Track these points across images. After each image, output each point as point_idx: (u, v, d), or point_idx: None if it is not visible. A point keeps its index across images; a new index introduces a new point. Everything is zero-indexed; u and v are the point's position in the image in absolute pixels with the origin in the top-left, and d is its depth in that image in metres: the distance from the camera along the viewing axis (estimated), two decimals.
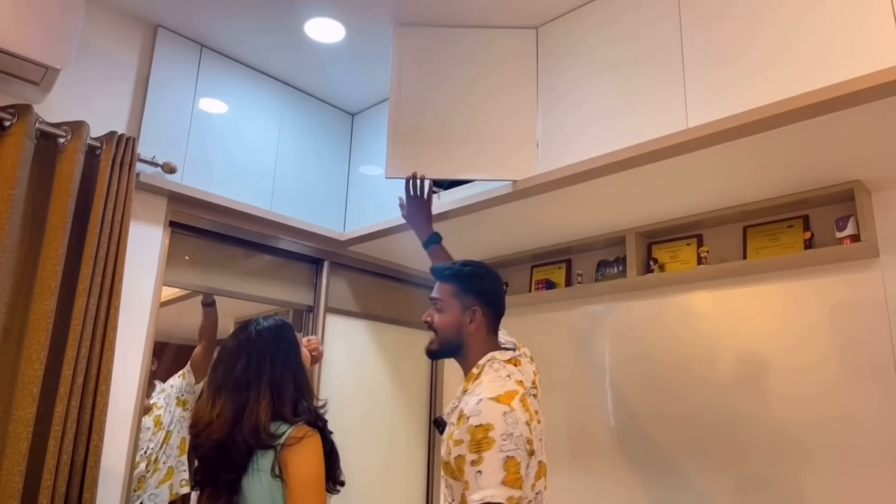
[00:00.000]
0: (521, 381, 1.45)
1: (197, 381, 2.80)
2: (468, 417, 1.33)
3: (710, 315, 2.26)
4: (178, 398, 2.77)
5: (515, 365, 1.51)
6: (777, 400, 2.06)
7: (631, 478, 2.33)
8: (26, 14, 1.85)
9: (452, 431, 1.39)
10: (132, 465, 2.06)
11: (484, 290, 1.57)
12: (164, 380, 2.81)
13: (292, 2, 2.15)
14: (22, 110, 1.89)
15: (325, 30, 2.30)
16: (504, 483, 1.25)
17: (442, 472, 1.45)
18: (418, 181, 2.11)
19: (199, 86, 2.36)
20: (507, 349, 1.57)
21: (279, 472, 1.36)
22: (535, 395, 1.52)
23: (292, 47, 2.41)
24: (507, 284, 2.91)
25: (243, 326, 1.54)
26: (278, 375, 1.47)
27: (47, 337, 1.80)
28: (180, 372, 2.85)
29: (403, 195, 2.16)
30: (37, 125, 1.92)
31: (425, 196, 2.11)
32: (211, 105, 2.39)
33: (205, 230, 2.38)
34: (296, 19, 2.24)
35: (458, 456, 1.32)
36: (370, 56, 2.44)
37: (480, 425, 1.30)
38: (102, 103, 2.16)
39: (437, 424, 1.54)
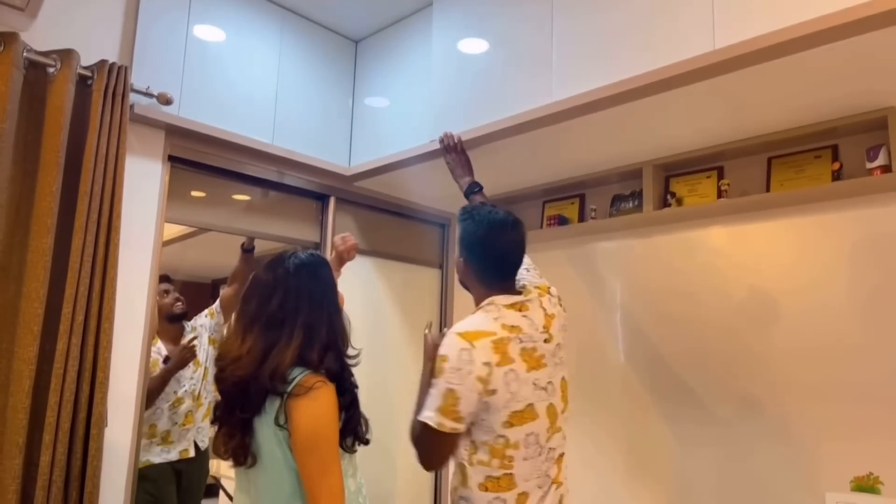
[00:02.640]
0: (513, 326, 1.48)
1: (225, 321, 2.80)
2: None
3: (728, 251, 2.18)
4: (209, 337, 2.78)
5: (520, 310, 1.52)
6: (794, 338, 2.00)
7: (641, 412, 2.32)
8: None
9: None
10: (142, 401, 2.06)
11: (465, 240, 1.59)
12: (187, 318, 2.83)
13: None
14: (8, 38, 1.78)
15: None
16: (439, 410, 1.38)
17: None
18: (452, 139, 2.14)
19: (192, 10, 2.23)
20: (512, 294, 1.57)
21: (284, 422, 1.29)
22: (545, 340, 1.53)
23: None
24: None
25: (279, 259, 1.44)
26: (314, 317, 1.38)
27: (46, 275, 1.77)
28: (207, 311, 2.85)
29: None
30: (24, 54, 1.82)
31: (458, 150, 2.13)
32: (206, 32, 2.27)
33: (206, 165, 2.29)
34: None
35: None
36: None
37: (440, 355, 1.42)
38: (92, 30, 2.05)
39: None
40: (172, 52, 2.17)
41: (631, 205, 2.41)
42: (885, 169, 1.87)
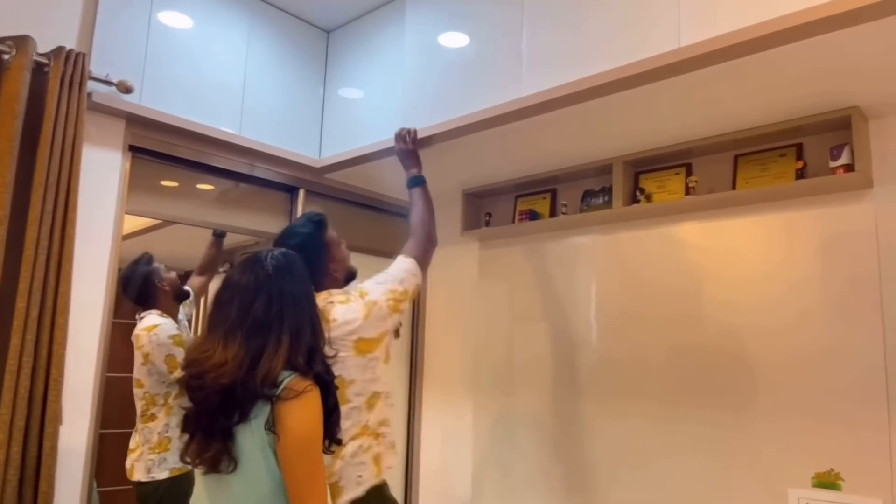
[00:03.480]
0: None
1: (196, 311, 2.70)
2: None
3: (697, 247, 2.20)
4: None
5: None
6: (762, 332, 2.03)
7: (611, 409, 2.33)
8: None
9: None
10: (100, 399, 2.01)
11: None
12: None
13: None
14: None
15: None
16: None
17: None
18: (407, 131, 2.20)
19: None
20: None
21: (272, 426, 1.26)
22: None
23: None
24: (489, 215, 2.83)
25: (256, 261, 1.40)
26: (299, 319, 1.36)
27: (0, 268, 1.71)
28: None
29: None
30: None
31: (410, 142, 2.20)
32: (171, 18, 2.21)
33: (169, 156, 2.24)
34: None
35: None
36: None
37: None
38: (49, 15, 1.99)
39: None
40: (135, 39, 2.11)
41: (601, 200, 2.42)
42: (848, 168, 1.89)
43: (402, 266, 1.92)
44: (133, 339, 2.29)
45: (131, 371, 2.30)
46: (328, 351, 1.43)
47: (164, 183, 2.33)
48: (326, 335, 1.56)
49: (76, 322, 1.88)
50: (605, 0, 1.83)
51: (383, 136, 2.35)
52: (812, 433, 1.89)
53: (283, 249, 1.48)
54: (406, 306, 1.89)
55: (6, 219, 1.74)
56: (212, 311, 1.38)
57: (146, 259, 2.37)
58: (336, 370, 1.51)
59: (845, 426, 1.84)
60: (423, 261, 1.98)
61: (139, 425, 2.28)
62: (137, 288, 2.33)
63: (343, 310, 1.76)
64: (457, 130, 2.14)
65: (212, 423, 1.29)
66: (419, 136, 2.22)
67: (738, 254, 2.11)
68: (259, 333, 1.31)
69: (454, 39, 2.20)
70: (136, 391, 2.29)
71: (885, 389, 1.79)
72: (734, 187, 2.13)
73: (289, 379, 1.29)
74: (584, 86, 1.83)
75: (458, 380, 2.85)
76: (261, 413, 1.27)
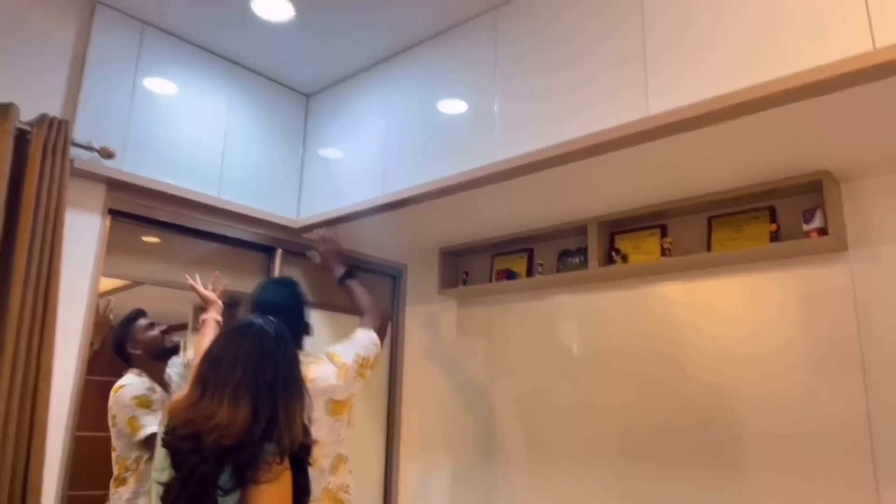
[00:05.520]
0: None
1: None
2: None
3: (674, 308, 2.20)
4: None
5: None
6: (741, 394, 2.01)
7: (590, 471, 2.28)
8: None
9: None
10: (69, 460, 1.97)
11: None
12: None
13: None
14: None
15: (272, 8, 2.17)
16: None
17: None
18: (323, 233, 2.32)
19: (140, 65, 2.23)
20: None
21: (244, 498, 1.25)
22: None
23: (240, 26, 2.28)
24: (466, 273, 2.84)
25: (257, 327, 1.43)
26: (300, 389, 1.41)
27: None
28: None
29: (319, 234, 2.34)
30: None
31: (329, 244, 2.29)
32: (154, 86, 2.26)
33: (148, 218, 2.26)
34: None
35: None
36: (324, 35, 2.32)
37: None
38: (36, 84, 2.04)
39: None
40: (119, 104, 2.16)
41: (577, 260, 2.42)
42: (822, 231, 1.90)
43: (367, 336, 1.97)
44: None
45: (103, 430, 2.25)
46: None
47: (142, 244, 2.33)
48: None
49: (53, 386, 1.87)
50: (577, 69, 1.87)
51: (361, 196, 2.38)
52: (797, 493, 1.85)
53: (273, 319, 1.49)
54: (370, 374, 1.92)
55: None
56: (205, 372, 1.36)
57: (128, 318, 2.34)
58: None
59: (832, 485, 1.80)
60: (382, 335, 2.03)
61: (112, 489, 2.22)
62: (115, 348, 2.31)
63: (320, 370, 1.78)
64: (433, 193, 2.17)
65: (202, 492, 1.26)
66: (398, 197, 2.25)
67: (716, 314, 2.11)
68: (266, 396, 1.33)
69: (431, 105, 2.25)
70: (112, 454, 2.25)
71: (871, 446, 1.77)
72: (709, 249, 2.14)
73: (269, 453, 1.28)
74: (555, 152, 1.87)
75: (437, 439, 2.80)
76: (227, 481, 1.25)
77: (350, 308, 2.22)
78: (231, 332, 1.44)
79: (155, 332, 2.27)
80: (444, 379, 2.83)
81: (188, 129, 2.34)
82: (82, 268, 2.06)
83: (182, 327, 2.71)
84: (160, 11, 2.21)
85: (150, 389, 2.26)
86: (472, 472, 2.64)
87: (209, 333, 1.82)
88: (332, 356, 1.86)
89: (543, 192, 2.15)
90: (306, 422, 1.43)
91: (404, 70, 2.38)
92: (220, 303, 1.99)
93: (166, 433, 1.32)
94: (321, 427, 1.71)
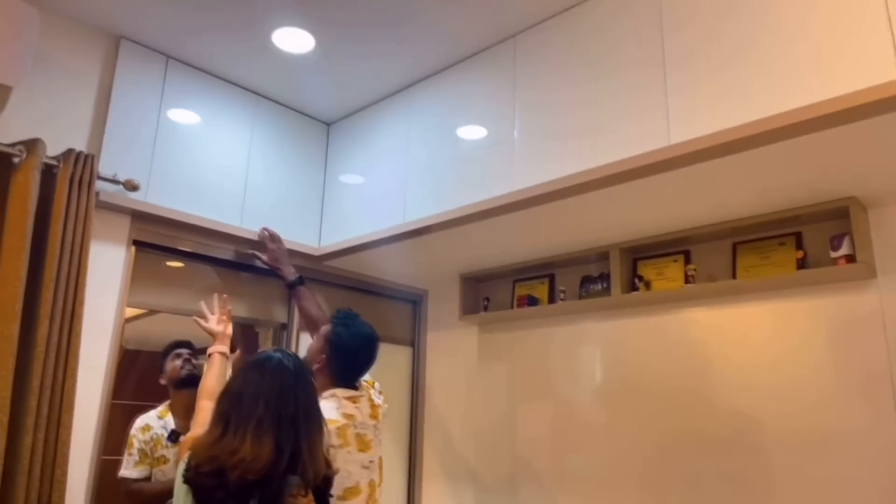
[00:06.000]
0: (350, 415, 1.76)
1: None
2: None
3: (698, 336, 2.16)
4: None
5: (354, 402, 1.81)
6: (767, 424, 1.96)
7: (616, 499, 2.24)
8: None
9: None
10: (95, 485, 2.00)
11: (336, 344, 1.83)
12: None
13: (258, 11, 2.06)
14: None
15: (293, 40, 2.20)
16: None
17: None
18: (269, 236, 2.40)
19: (164, 98, 2.27)
20: (350, 388, 1.83)
21: None
22: (374, 426, 1.84)
23: (262, 58, 2.31)
24: (487, 299, 2.82)
25: (276, 361, 1.45)
26: (320, 422, 1.44)
27: (13, 361, 1.74)
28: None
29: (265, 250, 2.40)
30: None
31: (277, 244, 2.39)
32: (178, 118, 2.30)
33: (173, 249, 2.29)
34: (263, 29, 2.14)
35: None
36: (343, 65, 2.34)
37: None
38: (62, 119, 2.08)
39: None
40: (143, 137, 2.19)
41: (600, 287, 2.40)
42: (850, 258, 1.86)
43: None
44: None
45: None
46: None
47: (166, 274, 2.36)
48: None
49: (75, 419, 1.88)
50: (596, 96, 1.86)
51: (382, 224, 2.39)
52: None
53: (291, 352, 1.53)
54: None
55: (19, 314, 1.78)
56: (226, 409, 1.38)
57: (163, 351, 2.35)
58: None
59: None
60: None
61: None
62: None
63: (377, 398, 1.92)
64: (453, 221, 2.17)
65: None
66: (419, 225, 2.25)
67: (741, 342, 2.07)
68: (291, 433, 1.35)
69: (451, 132, 2.26)
70: None
71: None
72: (734, 276, 2.10)
73: (295, 486, 1.31)
74: (575, 181, 1.85)
75: (459, 465, 2.78)
76: None
77: (305, 317, 2.29)
78: (250, 368, 1.45)
79: (178, 362, 2.29)
80: (466, 405, 2.81)
81: (211, 159, 2.37)
82: (108, 298, 2.09)
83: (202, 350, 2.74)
84: (183, 45, 2.25)
85: (151, 425, 2.22)
86: (497, 500, 2.60)
87: (214, 368, 1.82)
88: (371, 383, 1.97)
89: (564, 219, 2.14)
90: (326, 454, 1.46)
91: (424, 98, 2.39)
92: (229, 332, 1.98)
93: (187, 469, 1.33)
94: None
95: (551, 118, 1.96)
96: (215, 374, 1.77)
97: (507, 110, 2.09)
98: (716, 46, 1.63)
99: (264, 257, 2.38)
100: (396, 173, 2.42)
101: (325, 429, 1.46)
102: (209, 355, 1.89)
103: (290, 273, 2.33)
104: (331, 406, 1.73)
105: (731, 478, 2.00)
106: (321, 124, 2.77)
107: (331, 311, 2.69)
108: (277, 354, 1.47)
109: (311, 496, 1.35)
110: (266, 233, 2.41)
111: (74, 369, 1.86)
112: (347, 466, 1.70)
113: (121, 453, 2.18)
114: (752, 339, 2.05)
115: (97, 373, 2.04)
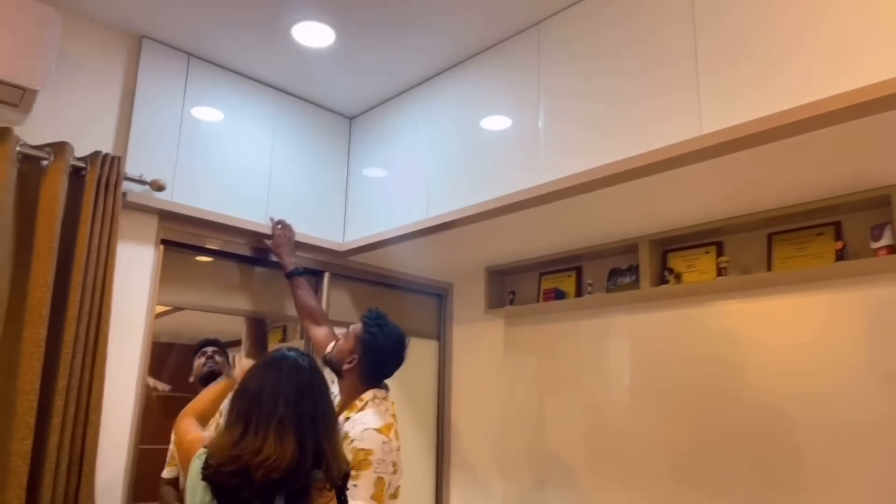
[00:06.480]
0: (394, 414, 1.81)
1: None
2: (352, 440, 1.66)
3: (731, 330, 2.10)
4: None
5: (388, 401, 1.86)
6: (804, 421, 1.91)
7: (646, 493, 2.21)
8: None
9: None
10: (130, 494, 2.03)
11: (369, 344, 1.83)
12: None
13: (277, 6, 2.03)
14: (1, 134, 1.83)
15: (313, 34, 2.17)
16: (373, 497, 1.62)
17: None
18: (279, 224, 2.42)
19: (187, 97, 2.27)
20: (382, 388, 1.85)
21: None
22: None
23: (282, 53, 2.29)
24: (513, 293, 2.79)
25: (292, 361, 1.45)
26: (335, 420, 1.48)
27: (40, 366, 1.78)
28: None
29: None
30: (18, 148, 1.86)
31: (284, 231, 2.41)
32: (201, 116, 2.30)
33: (199, 247, 2.30)
34: (282, 24, 2.12)
35: None
36: (364, 59, 2.31)
37: (362, 449, 1.64)
38: (88, 120, 2.09)
39: None
40: (167, 137, 2.20)
41: (628, 279, 2.35)
42: (891, 249, 1.79)
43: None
44: None
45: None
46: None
47: (194, 272, 2.38)
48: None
49: (107, 416, 1.92)
50: (624, 84, 1.81)
51: (406, 218, 2.37)
52: None
53: (304, 351, 1.53)
54: None
55: (47, 318, 1.81)
56: (245, 408, 1.38)
57: (193, 351, 2.38)
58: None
59: None
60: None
61: None
62: None
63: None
64: (477, 216, 2.14)
65: None
66: (442, 220, 2.22)
67: (776, 336, 2.01)
68: (312, 432, 1.36)
69: (474, 124, 2.22)
70: None
71: None
72: (770, 267, 2.04)
73: (319, 480, 1.34)
74: (602, 174, 1.80)
75: (487, 460, 2.77)
76: None
77: (300, 306, 2.29)
78: (266, 367, 1.46)
79: (202, 360, 2.33)
80: (493, 399, 2.79)
81: (235, 156, 2.37)
82: (139, 296, 2.12)
83: (236, 343, 2.77)
84: (204, 42, 2.24)
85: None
86: (525, 494, 2.59)
87: (214, 391, 1.74)
88: None
89: (592, 211, 2.09)
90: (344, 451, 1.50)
91: (446, 90, 2.35)
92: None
93: (206, 468, 1.34)
94: None
95: (577, 108, 1.91)
96: (211, 396, 1.71)
97: (531, 100, 2.04)
98: (750, 32, 1.56)
99: (269, 242, 2.38)
100: (419, 166, 2.39)
101: (338, 427, 1.50)
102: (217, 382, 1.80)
103: (291, 262, 2.34)
104: (380, 410, 1.76)
105: (764, 471, 1.95)
106: (343, 119, 2.75)
107: (359, 308, 2.73)
108: (293, 354, 1.48)
109: (333, 493, 1.37)
110: (277, 221, 2.41)
111: (102, 370, 1.89)
112: (400, 465, 1.74)
113: (159, 442, 2.21)
114: (787, 332, 1.99)
115: (131, 367, 2.08)
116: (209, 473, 1.33)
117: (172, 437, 2.08)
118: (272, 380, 1.41)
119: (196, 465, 1.36)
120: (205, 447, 1.39)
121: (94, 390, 1.87)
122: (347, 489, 1.48)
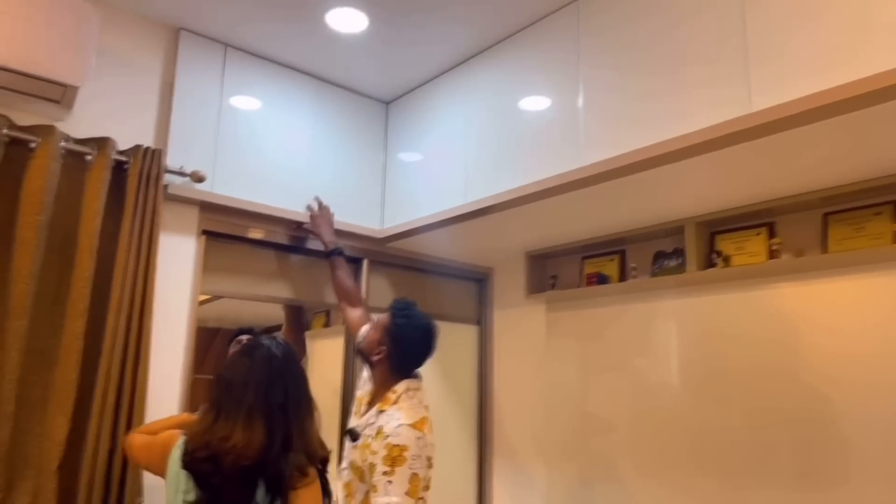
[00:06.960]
0: (427, 406, 1.79)
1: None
2: (387, 435, 1.66)
3: (783, 314, 2.02)
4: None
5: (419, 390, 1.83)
6: (860, 411, 1.82)
7: (695, 483, 2.17)
8: (38, 32, 1.81)
9: (370, 443, 1.70)
10: None
11: (397, 335, 1.82)
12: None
13: None
14: (44, 132, 1.86)
15: (346, 19, 2.15)
16: (407, 493, 1.60)
17: (350, 474, 1.77)
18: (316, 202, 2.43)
19: (225, 87, 2.28)
20: (415, 379, 1.84)
21: None
22: None
23: (317, 40, 2.28)
24: (555, 277, 2.74)
25: (265, 348, 1.48)
26: (310, 406, 1.48)
27: (79, 358, 1.83)
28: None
29: None
30: (62, 144, 1.89)
31: (323, 212, 2.41)
32: (238, 106, 2.31)
33: (240, 237, 2.33)
34: (316, 10, 2.10)
35: (371, 464, 1.66)
36: (398, 42, 2.28)
37: (397, 445, 1.63)
38: (128, 113, 2.12)
39: (351, 435, 1.80)
40: (206, 128, 2.22)
41: (674, 262, 2.28)
42: None
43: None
44: None
45: None
46: None
47: (235, 261, 2.41)
48: None
49: (154, 401, 1.96)
50: (669, 61, 1.73)
51: (444, 203, 2.34)
52: None
53: (280, 338, 1.56)
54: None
55: (86, 311, 1.85)
56: (217, 395, 1.42)
57: (228, 340, 2.42)
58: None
59: None
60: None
61: None
62: None
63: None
64: (515, 200, 2.10)
65: None
66: (480, 206, 2.19)
67: (831, 321, 1.92)
68: (279, 417, 1.39)
69: (512, 106, 2.17)
70: None
71: None
72: (825, 249, 1.94)
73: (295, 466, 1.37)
74: (646, 155, 1.73)
75: (529, 446, 2.75)
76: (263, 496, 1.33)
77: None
78: (240, 355, 1.50)
79: (235, 348, 2.35)
80: (536, 385, 2.76)
81: (273, 146, 2.38)
82: (181, 286, 2.15)
83: (277, 328, 2.81)
84: (239, 31, 2.24)
85: None
86: (569, 482, 2.57)
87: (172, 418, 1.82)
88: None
89: (635, 193, 2.02)
90: (320, 436, 1.50)
91: (482, 72, 2.30)
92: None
93: (184, 454, 1.38)
94: None
95: (619, 85, 1.84)
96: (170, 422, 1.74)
97: (571, 80, 1.98)
98: (802, 4, 1.47)
99: (307, 225, 2.39)
100: (456, 150, 2.35)
101: (315, 413, 1.49)
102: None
103: (331, 242, 2.34)
104: (414, 404, 1.75)
105: (809, 461, 1.88)
106: (380, 104, 2.73)
107: (399, 294, 2.73)
108: (267, 342, 1.50)
109: (314, 475, 1.39)
110: (316, 202, 2.42)
111: (146, 361, 1.92)
112: (434, 458, 1.71)
113: None
114: (844, 317, 1.89)
115: (176, 356, 2.12)
116: (186, 460, 1.37)
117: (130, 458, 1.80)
118: (244, 368, 1.45)
119: (175, 454, 1.40)
120: (182, 434, 1.44)
121: (139, 381, 1.90)
122: (327, 471, 1.50)
